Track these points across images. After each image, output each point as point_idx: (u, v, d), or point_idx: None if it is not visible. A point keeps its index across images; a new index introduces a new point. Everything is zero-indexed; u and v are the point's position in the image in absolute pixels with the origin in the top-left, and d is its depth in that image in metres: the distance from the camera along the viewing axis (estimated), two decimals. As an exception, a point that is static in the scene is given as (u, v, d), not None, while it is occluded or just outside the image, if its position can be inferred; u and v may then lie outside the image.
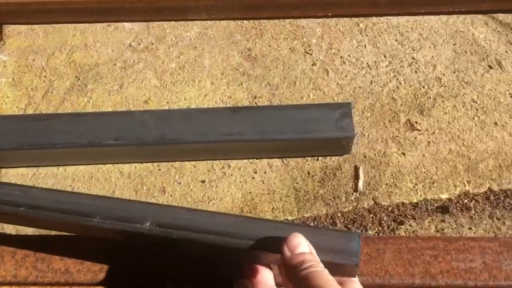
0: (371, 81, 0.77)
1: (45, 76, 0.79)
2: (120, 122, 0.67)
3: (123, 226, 0.46)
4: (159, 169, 0.70)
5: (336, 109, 0.67)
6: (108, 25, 0.84)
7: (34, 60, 0.81)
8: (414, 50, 0.79)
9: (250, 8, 0.81)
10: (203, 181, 0.69)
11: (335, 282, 0.39)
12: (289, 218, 0.65)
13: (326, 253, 0.42)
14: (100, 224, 0.47)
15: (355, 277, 0.44)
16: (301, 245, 0.42)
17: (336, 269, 0.42)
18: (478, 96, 0.74)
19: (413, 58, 0.78)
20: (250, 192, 0.68)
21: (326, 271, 0.40)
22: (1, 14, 0.82)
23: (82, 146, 0.67)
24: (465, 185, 0.67)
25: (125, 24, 0.84)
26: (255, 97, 0.76)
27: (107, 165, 0.71)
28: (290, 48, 0.81)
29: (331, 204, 0.66)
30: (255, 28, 0.83)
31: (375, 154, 0.70)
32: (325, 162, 0.70)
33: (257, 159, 0.70)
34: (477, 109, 0.73)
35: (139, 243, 0.50)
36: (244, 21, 0.83)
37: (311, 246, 0.42)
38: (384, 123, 0.73)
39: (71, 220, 0.48)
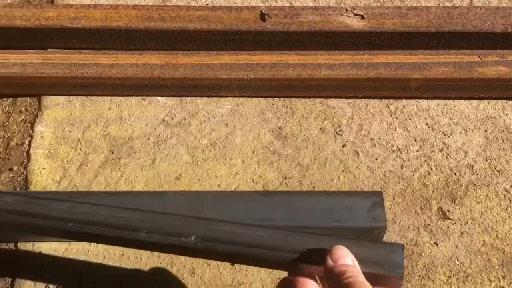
0: (402, 165, 0.77)
1: (80, 149, 0.81)
2: (151, 204, 0.68)
3: (168, 240, 0.50)
4: (189, 250, 0.70)
5: (367, 198, 0.67)
6: (143, 99, 0.86)
7: (70, 132, 0.83)
8: (445, 135, 0.80)
9: (281, 87, 0.83)
10: (233, 264, 0.69)
11: None
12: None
13: (370, 265, 0.45)
14: (147, 238, 0.51)
15: None
16: (344, 257, 0.45)
17: (380, 281, 0.45)
18: (511, 186, 0.74)
19: (444, 143, 0.79)
20: (279, 278, 0.67)
21: (367, 282, 0.43)
22: (41, 86, 0.85)
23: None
24: (500, 280, 0.66)
25: (159, 98, 0.86)
26: (285, 177, 0.77)
27: (138, 243, 0.71)
28: (320, 128, 0.82)
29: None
30: (286, 107, 0.84)
31: (407, 243, 0.70)
32: (355, 249, 0.69)
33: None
34: (510, 200, 0.72)
35: (184, 255, 0.55)
36: (275, 99, 0.85)
37: (355, 260, 0.45)
38: (416, 210, 0.72)
39: (119, 234, 0.52)
